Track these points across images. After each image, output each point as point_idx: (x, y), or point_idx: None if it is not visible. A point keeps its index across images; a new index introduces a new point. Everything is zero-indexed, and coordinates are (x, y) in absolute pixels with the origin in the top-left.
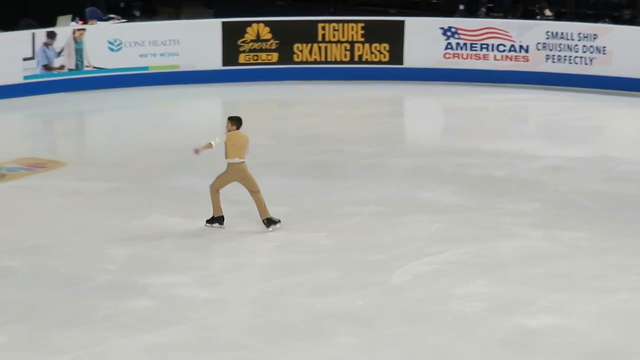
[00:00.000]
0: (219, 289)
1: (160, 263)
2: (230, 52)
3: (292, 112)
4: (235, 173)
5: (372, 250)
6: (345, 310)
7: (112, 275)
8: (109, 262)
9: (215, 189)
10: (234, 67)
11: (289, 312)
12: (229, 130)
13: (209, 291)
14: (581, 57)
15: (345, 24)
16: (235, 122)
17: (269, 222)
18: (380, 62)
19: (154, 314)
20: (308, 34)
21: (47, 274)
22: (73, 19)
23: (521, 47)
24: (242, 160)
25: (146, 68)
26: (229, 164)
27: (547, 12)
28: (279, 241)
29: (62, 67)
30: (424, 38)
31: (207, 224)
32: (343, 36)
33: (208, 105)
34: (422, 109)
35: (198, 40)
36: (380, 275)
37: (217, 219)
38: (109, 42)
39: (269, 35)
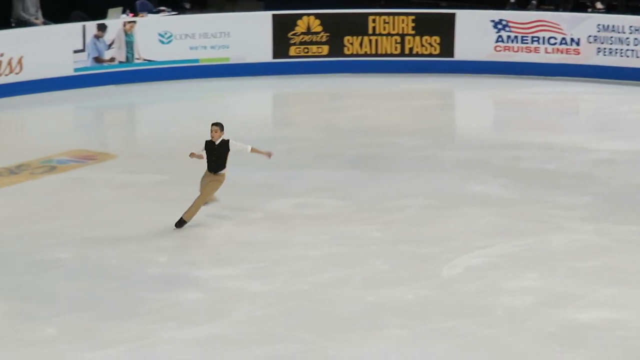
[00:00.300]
0: (270, 281)
1: (211, 255)
2: (280, 45)
3: (343, 105)
4: (221, 182)
5: (423, 243)
6: (395, 303)
7: (162, 267)
8: (159, 255)
9: (203, 201)
10: (285, 60)
11: (340, 305)
12: (218, 137)
13: (259, 284)
14: (632, 50)
15: (396, 17)
16: (223, 128)
17: (183, 222)
18: (431, 55)
19: (204, 307)
20: (358, 26)
21: (97, 266)
22: (124, 12)
23: (572, 40)
24: None
25: (196, 60)
26: (220, 174)
27: (599, 5)
28: (330, 234)
29: (112, 59)
30: (474, 31)
31: (177, 227)
32: (394, 29)
33: (258, 98)
34: (472, 102)
35: (248, 32)
36: (431, 268)
37: (185, 222)
38: (159, 34)
39: (320, 28)
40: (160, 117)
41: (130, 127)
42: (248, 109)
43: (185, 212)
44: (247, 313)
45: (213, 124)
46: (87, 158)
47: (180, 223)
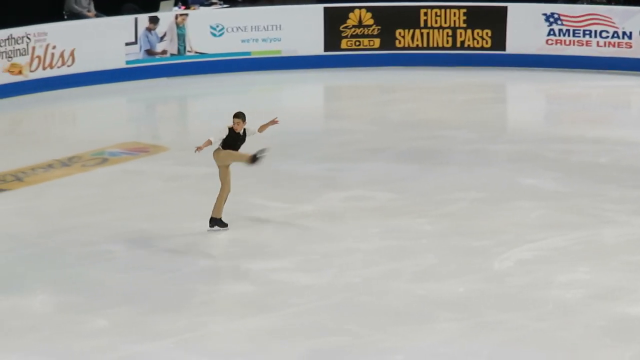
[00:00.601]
0: (320, 274)
1: (261, 248)
2: (332, 38)
3: (394, 98)
4: None
5: (474, 236)
6: (446, 296)
7: (213, 260)
8: (210, 247)
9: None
10: (336, 53)
11: (391, 298)
12: (241, 128)
13: (310, 277)
14: None
15: (448, 10)
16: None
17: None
18: (482, 48)
19: (254, 299)
20: (410, 19)
21: (147, 258)
22: (175, 4)
23: (624, 33)
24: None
25: (248, 53)
26: None
27: None
28: (381, 227)
29: (164, 52)
30: (526, 24)
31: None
32: (445, 22)
33: (310, 91)
34: (524, 95)
35: (300, 25)
36: (482, 262)
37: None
38: (211, 27)
39: (371, 21)
40: (211, 110)
41: (181, 120)
42: (299, 102)
43: (213, 211)
44: (298, 306)
45: (236, 116)
46: (138, 150)
47: (213, 222)
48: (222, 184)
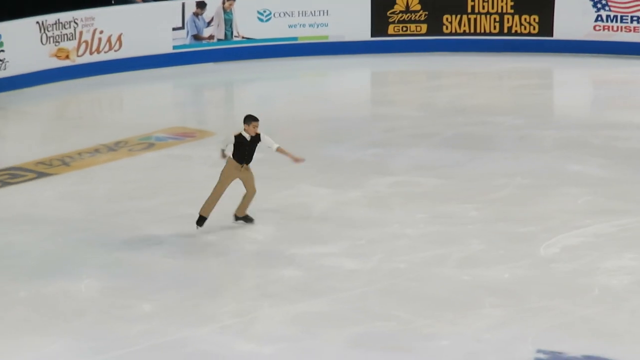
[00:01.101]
0: (367, 259)
1: (307, 233)
2: (379, 23)
3: (441, 84)
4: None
5: (520, 222)
6: (492, 282)
7: (260, 245)
8: (257, 232)
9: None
10: (383, 38)
11: (437, 284)
12: (254, 132)
13: (356, 262)
14: None
15: None
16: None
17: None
18: (529, 34)
19: (301, 284)
20: (457, 5)
21: (194, 243)
22: None
23: None
24: None
25: (295, 39)
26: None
27: None
28: (427, 213)
29: (211, 37)
30: (574, 10)
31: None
32: (492, 7)
33: (357, 76)
34: (571, 81)
35: (347, 11)
36: (528, 248)
37: (242, 218)
38: (258, 12)
39: (419, 7)
40: (258, 95)
41: (228, 105)
42: (346, 88)
43: (237, 209)
44: (344, 291)
45: (254, 119)
46: (185, 135)
47: (237, 218)
48: (252, 187)
